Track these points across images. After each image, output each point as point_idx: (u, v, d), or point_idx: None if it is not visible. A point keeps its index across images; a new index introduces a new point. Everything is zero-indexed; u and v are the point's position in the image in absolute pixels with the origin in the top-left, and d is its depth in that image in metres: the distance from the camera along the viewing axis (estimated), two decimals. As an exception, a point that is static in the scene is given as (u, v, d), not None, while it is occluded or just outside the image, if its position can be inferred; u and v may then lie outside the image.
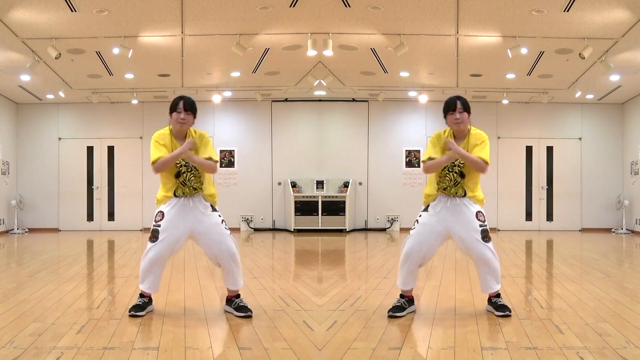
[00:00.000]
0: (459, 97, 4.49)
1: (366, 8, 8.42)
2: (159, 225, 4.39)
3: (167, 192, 4.46)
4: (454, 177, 4.44)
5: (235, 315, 4.38)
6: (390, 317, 4.33)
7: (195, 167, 4.44)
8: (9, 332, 3.82)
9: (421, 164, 4.62)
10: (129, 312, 4.36)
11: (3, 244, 11.19)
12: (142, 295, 4.49)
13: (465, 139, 4.49)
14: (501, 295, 4.55)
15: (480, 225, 4.39)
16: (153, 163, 4.35)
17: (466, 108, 4.45)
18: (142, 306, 4.41)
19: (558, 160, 14.68)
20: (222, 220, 4.53)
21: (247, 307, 4.42)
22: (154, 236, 4.39)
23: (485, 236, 4.38)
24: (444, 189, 4.46)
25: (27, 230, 14.14)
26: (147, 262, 4.39)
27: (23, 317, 4.30)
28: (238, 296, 4.51)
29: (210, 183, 4.58)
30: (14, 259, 8.63)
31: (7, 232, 13.72)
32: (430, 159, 4.47)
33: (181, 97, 4.49)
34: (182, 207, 4.43)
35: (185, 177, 4.43)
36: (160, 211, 4.44)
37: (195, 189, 4.45)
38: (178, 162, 4.41)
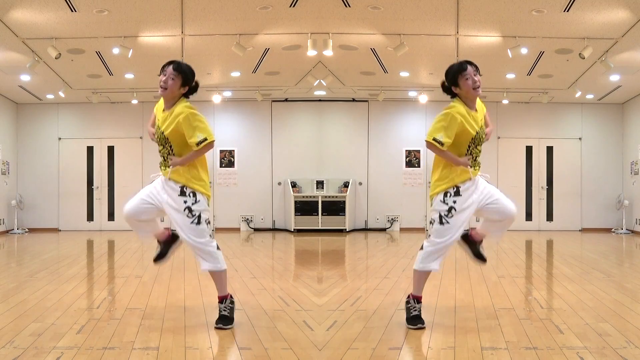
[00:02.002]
0: (467, 60, 4.05)
1: (366, 8, 8.42)
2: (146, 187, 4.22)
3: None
4: (478, 152, 4.11)
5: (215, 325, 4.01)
6: (419, 329, 3.97)
7: (168, 144, 4.01)
8: (9, 332, 3.82)
9: (428, 143, 4.02)
10: (153, 260, 4.48)
11: (3, 244, 11.19)
12: (157, 241, 4.49)
13: (478, 108, 4.11)
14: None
15: (493, 188, 4.19)
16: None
17: (478, 70, 4.02)
18: (163, 252, 4.45)
19: (558, 160, 14.68)
20: (188, 207, 3.97)
21: (228, 317, 4.02)
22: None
23: (504, 197, 4.17)
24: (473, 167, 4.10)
25: (27, 230, 14.14)
26: (125, 216, 4.18)
27: (23, 317, 4.30)
28: (223, 301, 4.08)
29: (193, 175, 4.06)
30: (14, 259, 8.63)
31: (7, 232, 13.72)
32: (441, 143, 3.95)
33: (174, 60, 4.02)
34: (163, 185, 4.10)
35: (159, 150, 4.11)
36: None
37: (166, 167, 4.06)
38: (156, 134, 4.08)
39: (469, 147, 4.07)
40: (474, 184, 4.11)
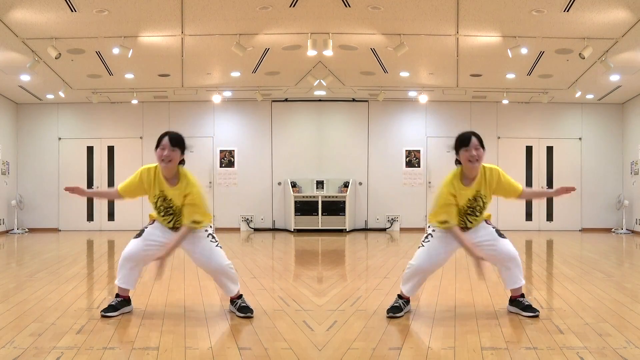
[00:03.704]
0: (474, 133, 4.26)
1: (366, 8, 8.42)
2: (147, 227, 4.47)
3: (158, 217, 4.47)
4: (474, 219, 4.39)
5: (237, 316, 4.38)
6: (389, 317, 4.32)
7: (175, 212, 4.37)
8: (9, 332, 3.81)
9: (432, 223, 4.34)
10: (101, 312, 4.31)
11: (3, 244, 11.19)
12: (117, 295, 4.44)
13: (478, 177, 4.31)
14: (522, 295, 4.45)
15: (493, 227, 4.44)
16: (120, 189, 4.46)
17: (482, 143, 4.23)
18: (115, 306, 4.33)
19: (558, 160, 14.68)
20: (209, 234, 4.38)
21: (248, 307, 4.40)
22: (139, 234, 4.43)
23: (500, 234, 4.41)
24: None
25: (27, 230, 14.14)
26: (123, 256, 4.38)
27: (23, 317, 4.29)
28: (240, 297, 4.49)
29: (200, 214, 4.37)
30: (14, 259, 8.62)
31: (7, 232, 13.72)
32: (444, 222, 4.25)
33: (166, 133, 4.27)
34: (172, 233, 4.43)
35: (166, 220, 4.42)
36: (154, 220, 4.51)
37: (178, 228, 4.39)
38: (155, 201, 4.36)
39: (460, 215, 4.33)
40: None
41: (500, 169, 4.40)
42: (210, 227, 4.46)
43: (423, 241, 4.41)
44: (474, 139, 4.20)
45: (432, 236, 4.38)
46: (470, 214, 4.37)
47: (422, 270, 4.39)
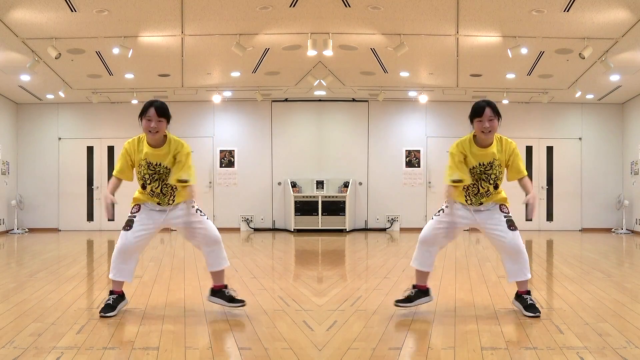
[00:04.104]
0: (488, 103, 4.26)
1: (366, 8, 8.42)
2: (135, 216, 4.39)
3: (143, 196, 4.41)
4: (488, 187, 4.34)
5: (228, 307, 4.40)
6: (395, 305, 4.39)
7: (162, 175, 4.33)
8: (9, 332, 3.82)
9: (446, 185, 4.30)
10: (100, 313, 4.30)
11: (3, 244, 11.19)
12: (112, 292, 4.43)
13: (492, 145, 4.29)
14: (528, 293, 4.43)
15: (505, 216, 4.37)
16: (115, 174, 4.40)
17: (497, 113, 4.24)
18: (113, 305, 4.34)
19: (558, 160, 14.68)
20: (197, 209, 4.41)
21: (237, 297, 4.43)
22: (129, 225, 4.37)
23: (511, 225, 4.35)
24: (468, 198, 4.37)
25: (27, 230, 14.14)
26: (117, 250, 4.38)
27: (23, 317, 4.30)
28: (226, 286, 4.47)
29: (183, 193, 4.40)
30: (14, 259, 8.63)
31: (7, 232, 13.72)
32: (459, 181, 4.25)
33: (151, 102, 4.28)
34: (159, 210, 4.42)
35: (153, 187, 4.36)
36: (137, 204, 4.42)
37: (169, 203, 4.39)
38: (140, 170, 4.33)
39: (473, 177, 4.32)
40: (469, 210, 4.40)
41: (517, 146, 4.38)
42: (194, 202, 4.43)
43: (434, 214, 4.50)
44: (487, 110, 4.21)
45: (442, 211, 4.44)
46: (484, 179, 4.32)
47: (424, 241, 4.43)
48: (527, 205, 4.28)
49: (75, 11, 8.18)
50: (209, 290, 4.56)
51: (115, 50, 9.46)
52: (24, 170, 14.44)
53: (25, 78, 11.69)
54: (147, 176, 4.33)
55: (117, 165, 4.43)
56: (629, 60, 10.30)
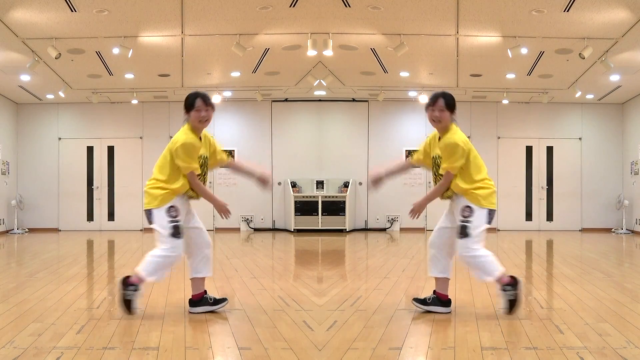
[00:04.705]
0: (444, 95, 4.31)
1: (366, 8, 8.42)
2: (178, 220, 4.31)
3: (178, 185, 4.30)
4: (439, 175, 4.42)
5: (216, 310, 4.46)
6: (412, 301, 4.57)
7: (205, 167, 4.47)
8: (9, 332, 3.82)
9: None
10: (128, 311, 4.32)
11: (3, 244, 11.19)
12: (130, 284, 4.33)
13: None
14: (516, 284, 4.33)
15: (461, 221, 4.30)
16: (191, 171, 4.31)
17: (449, 106, 4.27)
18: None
19: (558, 160, 14.68)
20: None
21: (218, 297, 4.55)
22: (178, 232, 4.29)
23: (461, 232, 4.29)
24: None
25: (27, 230, 14.14)
26: (173, 258, 4.32)
27: (23, 317, 4.30)
28: (205, 292, 4.52)
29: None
30: (14, 259, 8.63)
31: (7, 232, 13.72)
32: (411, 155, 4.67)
33: (196, 94, 4.33)
34: (185, 203, 4.44)
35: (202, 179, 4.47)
36: (173, 206, 4.30)
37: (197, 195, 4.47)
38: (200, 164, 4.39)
39: (433, 167, 4.48)
40: (454, 202, 4.44)
41: (461, 141, 4.23)
42: None
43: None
44: (440, 100, 4.30)
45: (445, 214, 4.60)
46: (437, 170, 4.44)
47: (430, 244, 4.55)
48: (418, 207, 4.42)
49: (75, 11, 8.18)
50: (189, 302, 4.50)
51: (115, 50, 9.46)
52: (24, 170, 14.44)
53: (25, 78, 11.69)
54: (203, 168, 4.42)
55: (193, 162, 4.27)
56: (629, 60, 10.31)
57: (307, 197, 13.91)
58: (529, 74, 11.53)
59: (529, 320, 4.22)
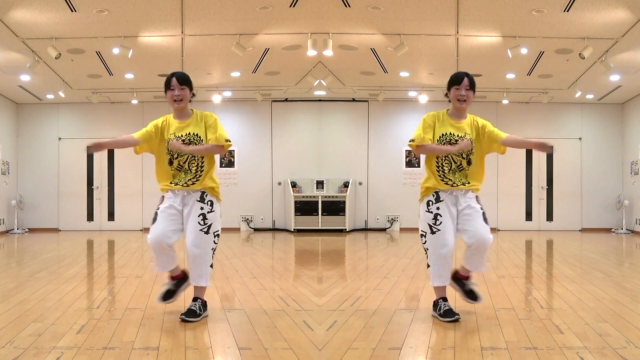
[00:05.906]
0: (467, 74, 4.31)
1: (366, 8, 8.42)
2: (158, 209, 4.32)
3: (165, 181, 4.30)
4: (461, 161, 4.25)
5: (205, 315, 4.35)
6: (455, 321, 4.17)
7: (192, 144, 4.26)
8: (9, 332, 3.82)
9: (412, 144, 4.28)
10: (162, 299, 4.42)
11: (3, 244, 11.19)
12: (172, 277, 4.42)
13: (465, 120, 4.31)
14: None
15: (481, 208, 4.29)
16: (136, 135, 4.33)
17: (472, 86, 4.28)
18: (173, 290, 4.42)
19: (558, 160, 14.67)
20: (203, 214, 4.23)
21: (195, 311, 4.24)
22: (154, 219, 4.30)
23: (485, 219, 4.29)
24: (444, 178, 4.23)
25: (27, 230, 14.14)
26: (150, 244, 4.28)
27: (23, 317, 4.30)
28: (197, 299, 4.32)
29: (209, 176, 4.30)
30: (14, 259, 8.63)
31: (7, 232, 13.72)
32: (411, 141, 4.27)
33: (172, 73, 4.32)
34: (182, 197, 4.29)
35: (180, 161, 4.26)
36: (162, 196, 4.36)
37: (193, 182, 4.24)
38: (168, 145, 4.27)
39: (443, 144, 4.26)
40: (454, 196, 4.29)
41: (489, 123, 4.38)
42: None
43: (434, 225, 4.29)
44: (466, 80, 4.27)
45: (439, 218, 4.27)
46: (456, 153, 4.25)
47: (450, 254, 4.34)
48: (539, 146, 4.30)
49: (75, 11, 8.18)
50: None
51: (115, 50, 9.46)
52: (24, 170, 14.44)
53: (25, 78, 11.69)
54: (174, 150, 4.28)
55: (143, 131, 4.32)
56: (629, 60, 10.30)
57: (307, 197, 13.91)
58: (529, 74, 11.53)
59: (529, 320, 4.22)
